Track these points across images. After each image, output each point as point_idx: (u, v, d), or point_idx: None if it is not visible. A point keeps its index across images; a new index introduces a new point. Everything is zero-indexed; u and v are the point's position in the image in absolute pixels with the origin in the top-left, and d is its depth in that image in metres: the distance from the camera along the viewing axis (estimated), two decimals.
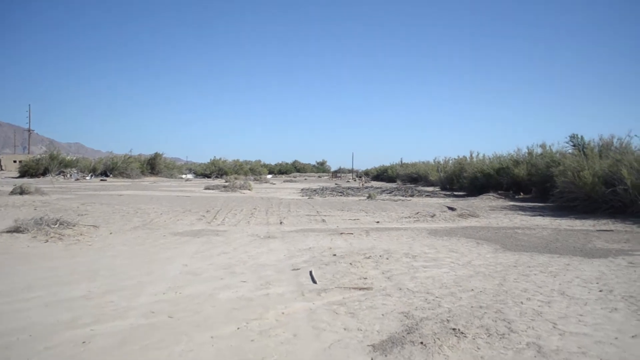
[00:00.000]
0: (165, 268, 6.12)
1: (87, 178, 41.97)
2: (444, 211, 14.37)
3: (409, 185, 38.56)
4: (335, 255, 7.07)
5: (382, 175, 63.09)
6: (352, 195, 23.81)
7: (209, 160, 66.03)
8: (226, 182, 33.24)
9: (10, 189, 18.46)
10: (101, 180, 39.79)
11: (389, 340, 3.64)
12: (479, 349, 3.50)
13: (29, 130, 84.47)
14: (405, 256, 7.11)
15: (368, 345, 3.55)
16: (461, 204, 17.97)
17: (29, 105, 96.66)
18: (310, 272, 5.81)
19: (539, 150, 23.54)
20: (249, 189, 26.71)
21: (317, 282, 5.39)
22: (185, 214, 12.72)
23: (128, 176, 45.48)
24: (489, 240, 8.97)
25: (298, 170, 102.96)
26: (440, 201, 20.24)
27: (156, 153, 54.34)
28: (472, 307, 4.50)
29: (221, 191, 24.95)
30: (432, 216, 12.90)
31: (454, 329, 3.86)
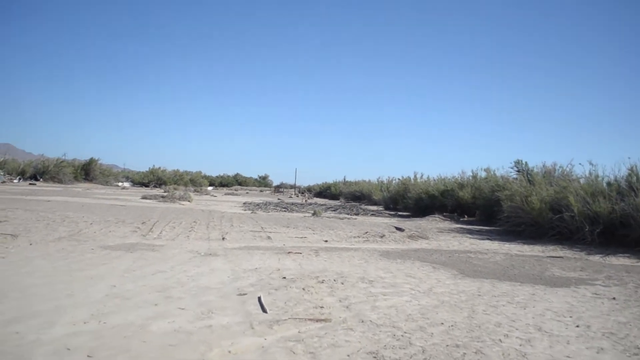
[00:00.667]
0: (89, 289, 5.24)
1: (15, 181, 39.37)
2: (393, 232, 13.94)
3: (352, 203, 38.26)
4: (285, 278, 6.38)
5: (325, 192, 62.73)
6: (297, 211, 23.16)
7: (147, 169, 63.70)
8: (165, 192, 31.83)
9: None
10: (30, 184, 37.37)
11: None
12: None
13: None
14: (362, 281, 6.52)
15: None
16: (408, 224, 17.65)
17: None
18: (259, 299, 5.10)
19: (483, 174, 23.72)
20: (189, 201, 25.57)
21: (268, 311, 4.69)
22: (119, 224, 11.69)
23: (60, 181, 43.02)
24: (445, 265, 8.53)
25: (240, 184, 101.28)
26: (386, 221, 19.90)
27: (91, 158, 51.79)
28: (447, 345, 3.94)
29: (159, 201, 23.73)
30: (382, 237, 12.42)
31: None
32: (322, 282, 6.21)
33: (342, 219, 19.29)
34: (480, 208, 21.25)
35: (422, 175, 33.09)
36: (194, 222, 13.45)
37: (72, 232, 9.89)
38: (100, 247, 8.21)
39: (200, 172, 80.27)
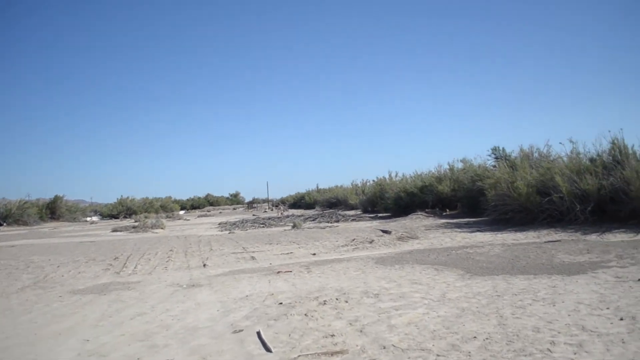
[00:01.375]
0: (58, 349, 4.44)
1: None
2: (380, 235, 13.35)
3: (329, 210, 37.63)
4: (282, 304, 5.68)
5: (299, 202, 62.01)
6: (275, 225, 22.41)
7: (115, 200, 61.85)
8: (136, 221, 30.70)
9: None
10: None
11: None
12: None
13: None
14: (366, 295, 5.87)
15: None
16: (393, 225, 17.10)
17: None
18: (259, 334, 4.39)
19: (460, 165, 23.38)
20: (162, 228, 24.56)
21: (272, 349, 3.98)
22: (89, 263, 10.79)
23: (25, 223, 41.17)
24: (447, 265, 7.95)
25: (211, 204, 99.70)
26: (369, 225, 19.32)
27: (56, 196, 49.88)
28: None
29: (131, 232, 22.68)
30: (371, 242, 11.81)
31: None
32: (324, 303, 5.53)
33: (323, 228, 18.64)
34: (461, 200, 20.86)
35: (396, 174, 32.73)
36: (170, 250, 12.61)
37: (37, 278, 8.99)
38: (69, 293, 7.36)
39: (170, 197, 78.46)
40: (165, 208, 65.69)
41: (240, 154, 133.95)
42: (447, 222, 16.50)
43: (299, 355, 3.77)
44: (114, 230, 24.47)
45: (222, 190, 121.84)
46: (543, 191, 13.78)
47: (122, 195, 61.18)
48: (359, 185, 42.06)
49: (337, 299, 5.69)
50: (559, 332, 3.97)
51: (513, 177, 14.64)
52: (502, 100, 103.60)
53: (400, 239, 12.22)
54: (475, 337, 3.97)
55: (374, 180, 37.90)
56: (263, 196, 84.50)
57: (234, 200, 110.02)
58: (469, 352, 3.62)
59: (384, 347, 3.86)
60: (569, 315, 4.48)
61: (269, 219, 29.58)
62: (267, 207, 67.71)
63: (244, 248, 12.32)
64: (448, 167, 24.10)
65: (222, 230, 20.86)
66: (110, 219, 53.82)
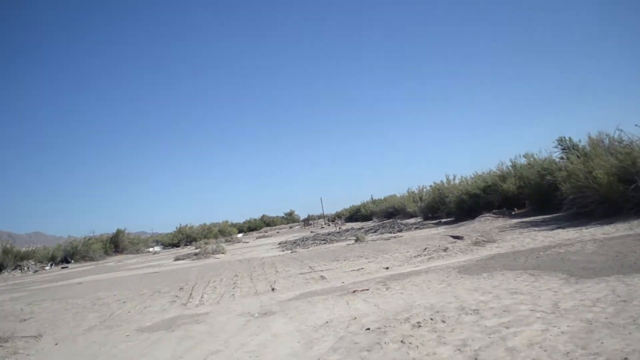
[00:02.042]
0: None
1: (47, 268, 38.51)
2: (453, 242, 12.49)
3: (387, 220, 36.67)
4: (369, 329, 5.01)
5: (355, 215, 61.21)
6: (337, 240, 21.76)
7: (175, 229, 62.76)
8: (196, 248, 30.74)
9: None
10: (62, 267, 36.49)
11: None
12: None
13: None
14: (463, 312, 5.13)
15: None
16: (462, 230, 16.17)
17: None
18: None
19: (523, 161, 22.13)
20: (223, 253, 24.34)
21: None
22: (154, 296, 10.45)
23: (91, 259, 42.10)
24: (542, 269, 7.10)
25: (267, 224, 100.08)
26: (434, 232, 18.41)
27: (118, 230, 50.89)
28: None
29: (193, 260, 22.52)
30: (445, 250, 10.99)
31: None
32: (419, 325, 4.82)
33: (388, 239, 17.86)
34: (529, 197, 19.65)
35: (454, 177, 31.56)
36: (235, 275, 12.15)
37: (104, 316, 8.65)
38: (136, 330, 6.93)
39: (227, 222, 79.11)
40: (224, 232, 66.15)
41: (291, 171, 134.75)
42: (521, 222, 15.43)
43: None
44: (177, 259, 24.44)
45: (276, 210, 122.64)
46: (625, 178, 12.62)
47: (180, 224, 62.08)
48: (416, 192, 41.01)
49: (431, 319, 4.98)
50: None
51: (589, 167, 13.49)
52: (546, 94, 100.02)
53: (476, 243, 11.35)
54: (626, 359, 3.20)
55: (430, 186, 36.83)
56: (317, 212, 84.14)
57: (289, 218, 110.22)
58: None
59: None
60: None
61: (329, 234, 28.98)
62: (324, 222, 67.20)
63: (310, 267, 11.72)
64: (510, 164, 22.87)
65: (283, 250, 20.38)
66: (172, 247, 54.54)
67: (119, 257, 43.85)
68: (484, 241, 11.52)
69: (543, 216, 15.94)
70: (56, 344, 6.75)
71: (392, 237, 18.69)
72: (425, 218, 30.76)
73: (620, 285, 5.36)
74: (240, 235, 67.11)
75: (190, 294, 9.91)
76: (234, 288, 9.96)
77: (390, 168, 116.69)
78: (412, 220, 30.54)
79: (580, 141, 18.67)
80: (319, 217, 79.71)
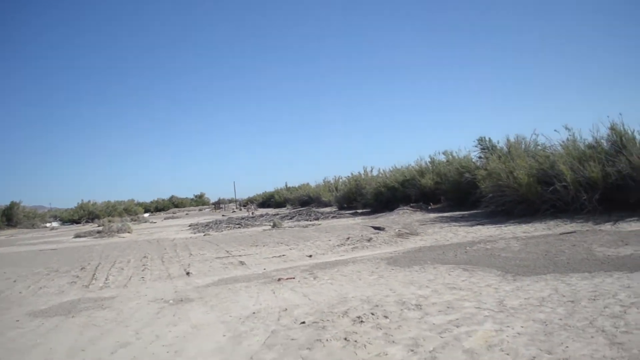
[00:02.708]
0: None
1: None
2: (375, 232, 12.26)
3: (302, 208, 36.40)
4: (304, 323, 4.50)
5: (268, 201, 60.57)
6: (252, 225, 21.11)
7: (76, 205, 59.12)
8: (100, 226, 28.88)
9: None
10: None
11: None
12: None
13: None
14: (405, 307, 4.75)
15: None
16: (381, 221, 16.06)
17: None
18: None
19: (442, 158, 22.53)
20: (129, 232, 22.95)
21: None
22: (51, 275, 9.38)
23: None
24: (474, 264, 6.92)
25: (176, 206, 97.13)
26: (352, 222, 18.24)
27: (12, 202, 47.25)
28: None
29: (96, 238, 21.03)
30: (369, 240, 10.71)
31: None
32: (360, 320, 4.37)
33: (305, 226, 17.47)
34: (446, 193, 19.99)
35: (372, 169, 31.77)
36: (144, 257, 11.23)
37: None
38: (29, 315, 6.01)
39: (133, 200, 75.82)
40: (129, 211, 63.37)
41: (203, 154, 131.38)
42: (439, 216, 15.55)
43: None
44: (77, 236, 22.77)
45: (186, 192, 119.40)
46: (544, 180, 12.96)
47: (82, 200, 58.59)
48: (332, 182, 41.03)
49: (372, 314, 4.55)
50: None
51: (511, 167, 13.75)
52: (476, 93, 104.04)
53: (399, 235, 11.17)
54: None
55: (347, 177, 36.95)
56: (229, 196, 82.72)
57: (199, 201, 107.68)
58: None
59: None
60: None
61: (242, 218, 28.24)
62: (235, 207, 66.10)
63: (227, 252, 11.05)
64: (429, 160, 23.22)
65: (195, 233, 19.46)
66: (72, 224, 51.41)
67: (11, 231, 40.62)
68: (407, 233, 11.37)
69: (461, 212, 16.18)
70: None
71: (309, 224, 18.32)
72: (341, 208, 30.77)
73: (560, 284, 5.19)
74: (146, 215, 64.52)
75: (94, 275, 8.96)
76: (143, 270, 9.11)
77: (305, 157, 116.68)
78: (327, 209, 30.45)
79: (498, 142, 19.18)
80: (230, 201, 78.38)
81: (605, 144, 13.24)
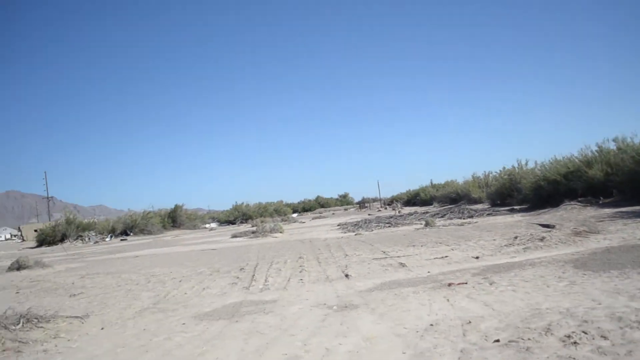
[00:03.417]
0: None
1: (107, 239, 39.09)
2: (547, 231, 10.94)
3: (451, 206, 34.87)
4: (498, 341, 3.76)
5: (413, 199, 59.46)
6: (402, 224, 20.44)
7: (231, 206, 62.82)
8: (253, 226, 30.06)
9: (9, 263, 15.34)
10: (121, 240, 36.94)
11: None
12: None
13: (47, 197, 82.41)
14: (625, 325, 3.79)
15: None
16: (548, 218, 14.53)
17: (45, 172, 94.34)
18: None
19: (612, 145, 20.02)
20: (281, 232, 23.49)
21: None
22: (213, 276, 9.52)
23: (149, 232, 42.59)
24: None
25: (322, 206, 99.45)
26: (512, 219, 16.80)
27: (176, 205, 51.48)
28: None
29: (250, 238, 21.76)
30: (541, 240, 9.52)
31: None
32: (573, 342, 3.52)
33: (461, 224, 16.42)
34: (620, 186, 17.64)
35: (526, 162, 29.46)
36: (300, 257, 11.08)
37: (158, 297, 7.76)
38: (193, 318, 5.93)
39: (281, 201, 79.04)
40: (279, 212, 65.96)
41: (346, 154, 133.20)
42: (618, 212, 13.60)
43: None
44: (234, 236, 23.78)
45: (330, 192, 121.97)
46: None
47: (236, 202, 62.15)
48: (481, 177, 38.96)
49: (585, 333, 3.68)
50: None
51: None
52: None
53: (577, 234, 9.82)
54: None
55: (498, 172, 34.79)
56: (371, 195, 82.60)
57: (344, 201, 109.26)
58: None
59: None
60: None
61: (391, 217, 27.69)
62: (380, 205, 65.81)
63: (384, 252, 10.51)
64: (597, 148, 20.74)
65: (345, 232, 19.24)
66: (228, 224, 54.64)
67: (176, 232, 44.08)
68: (586, 232, 9.96)
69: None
70: (102, 329, 5.84)
71: (465, 222, 17.22)
72: (494, 204, 28.96)
73: None
74: (295, 215, 66.70)
75: (253, 276, 8.90)
76: (301, 272, 8.88)
77: (450, 152, 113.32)
78: (479, 206, 28.82)
79: None
80: (375, 200, 78.21)
81: None
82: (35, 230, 62.38)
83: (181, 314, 6.26)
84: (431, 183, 58.58)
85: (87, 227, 43.81)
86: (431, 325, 4.43)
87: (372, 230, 18.55)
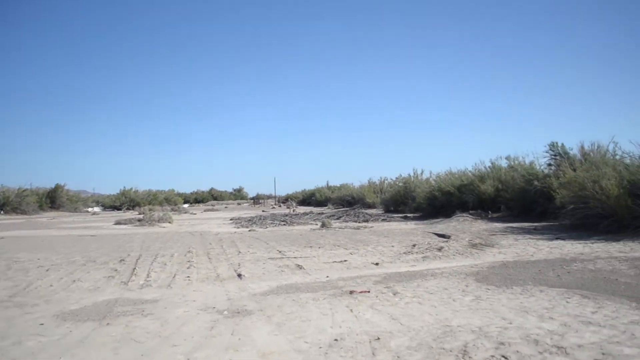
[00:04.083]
0: None
1: None
2: (444, 241, 10.96)
3: (346, 209, 35.16)
4: None
5: (308, 199, 59.77)
6: (297, 223, 20.07)
7: (118, 191, 59.45)
8: (140, 214, 28.36)
9: None
10: None
11: None
12: None
13: None
14: (544, 350, 3.50)
15: None
16: (442, 228, 14.74)
17: None
18: None
19: (504, 163, 21.01)
20: (170, 222, 22.23)
21: None
22: (88, 266, 8.46)
23: (24, 212, 38.90)
24: (589, 289, 5.65)
25: (215, 198, 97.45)
26: (406, 226, 16.98)
27: (57, 185, 47.70)
28: None
29: (136, 226, 20.36)
30: (439, 249, 9.45)
31: None
32: None
33: (357, 228, 16.30)
34: (509, 202, 18.47)
35: (422, 172, 30.38)
36: (189, 252, 10.25)
37: (17, 288, 6.65)
38: (56, 317, 5.01)
39: (173, 190, 76.16)
40: (169, 201, 63.61)
41: (243, 148, 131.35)
42: (508, 227, 14.10)
43: None
44: (117, 223, 22.19)
45: (225, 185, 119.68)
46: (635, 194, 11.43)
47: (124, 187, 58.95)
48: (377, 183, 39.75)
49: (505, 358, 3.34)
50: None
51: (596, 176, 12.22)
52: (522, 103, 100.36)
53: (473, 246, 9.87)
54: None
55: (392, 179, 35.65)
56: (266, 192, 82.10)
57: (238, 195, 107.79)
58: None
59: None
60: None
61: (286, 215, 27.27)
62: (274, 203, 65.44)
63: (280, 252, 9.95)
64: (490, 164, 21.69)
65: (238, 227, 18.50)
66: (113, 210, 51.68)
67: (54, 213, 40.83)
68: (482, 244, 10.06)
69: (529, 223, 14.73)
70: None
71: (360, 226, 17.13)
72: (387, 210, 29.54)
73: None
74: (186, 205, 64.58)
75: (134, 269, 7.98)
76: (188, 268, 8.09)
77: (350, 156, 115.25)
78: (373, 211, 29.28)
79: (572, 149, 17.58)
80: (269, 197, 77.73)
81: None
82: None
83: (42, 310, 5.30)
84: (327, 184, 59.15)
85: None
86: (335, 340, 3.92)
87: (267, 228, 17.98)
